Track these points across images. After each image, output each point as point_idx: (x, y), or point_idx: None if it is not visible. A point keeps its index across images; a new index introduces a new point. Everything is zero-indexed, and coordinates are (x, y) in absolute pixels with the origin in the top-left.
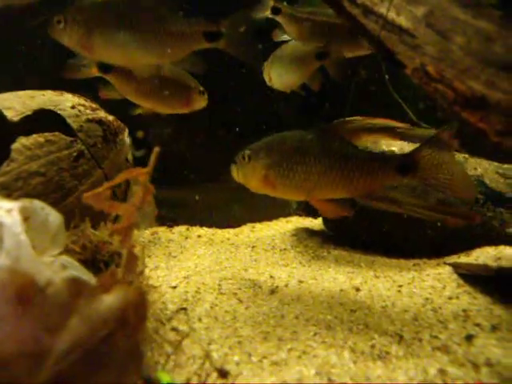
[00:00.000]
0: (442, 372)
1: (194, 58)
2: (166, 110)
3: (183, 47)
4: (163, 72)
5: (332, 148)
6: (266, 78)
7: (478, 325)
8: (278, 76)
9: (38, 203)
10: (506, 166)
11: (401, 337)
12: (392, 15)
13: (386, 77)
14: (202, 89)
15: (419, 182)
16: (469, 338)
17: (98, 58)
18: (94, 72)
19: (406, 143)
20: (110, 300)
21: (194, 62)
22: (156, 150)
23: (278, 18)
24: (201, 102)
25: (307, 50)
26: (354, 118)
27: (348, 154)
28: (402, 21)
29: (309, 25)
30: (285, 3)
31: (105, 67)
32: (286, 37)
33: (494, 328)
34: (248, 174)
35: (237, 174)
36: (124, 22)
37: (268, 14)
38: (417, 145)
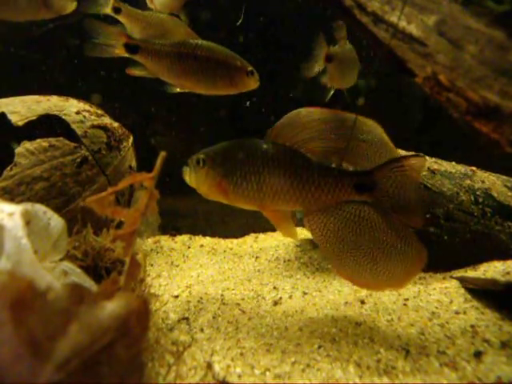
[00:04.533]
0: None
1: None
2: (207, 90)
3: None
4: (203, 51)
5: (287, 159)
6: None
7: (486, 341)
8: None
9: (40, 207)
10: None
11: (407, 351)
12: (403, 24)
13: None
14: (250, 69)
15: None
16: (477, 355)
17: None
18: (121, 52)
19: None
20: (111, 308)
21: None
22: (162, 154)
23: None
24: (250, 84)
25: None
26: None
27: (303, 166)
28: (413, 29)
29: None
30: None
31: (132, 47)
32: None
33: (504, 345)
34: (200, 180)
35: (189, 177)
36: None
37: None
38: None
